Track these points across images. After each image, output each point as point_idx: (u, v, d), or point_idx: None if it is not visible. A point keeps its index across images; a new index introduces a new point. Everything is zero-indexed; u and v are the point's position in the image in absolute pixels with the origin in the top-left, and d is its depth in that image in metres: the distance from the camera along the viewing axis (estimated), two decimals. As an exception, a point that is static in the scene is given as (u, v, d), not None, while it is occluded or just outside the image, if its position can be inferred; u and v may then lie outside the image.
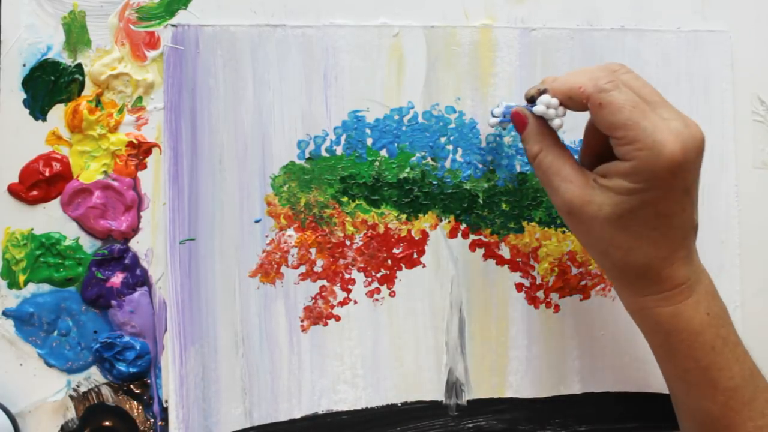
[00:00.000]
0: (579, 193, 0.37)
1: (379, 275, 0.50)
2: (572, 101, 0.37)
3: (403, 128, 0.50)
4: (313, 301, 0.49)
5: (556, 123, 0.39)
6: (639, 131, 0.34)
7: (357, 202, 0.50)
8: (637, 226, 0.36)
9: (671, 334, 0.38)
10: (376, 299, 0.50)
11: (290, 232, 0.49)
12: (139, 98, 0.48)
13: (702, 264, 0.40)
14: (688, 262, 0.38)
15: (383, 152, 0.50)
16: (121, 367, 0.48)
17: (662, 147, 0.34)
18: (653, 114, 0.35)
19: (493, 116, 0.46)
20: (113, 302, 0.48)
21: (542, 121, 0.40)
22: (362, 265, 0.50)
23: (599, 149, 0.40)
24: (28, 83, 0.48)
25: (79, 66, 0.48)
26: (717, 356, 0.37)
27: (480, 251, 0.51)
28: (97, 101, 0.48)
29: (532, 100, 0.40)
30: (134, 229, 0.48)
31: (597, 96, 0.35)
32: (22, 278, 0.48)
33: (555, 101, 0.38)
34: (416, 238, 0.50)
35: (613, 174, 0.36)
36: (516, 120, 0.41)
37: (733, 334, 0.39)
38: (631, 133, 0.34)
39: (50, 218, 0.48)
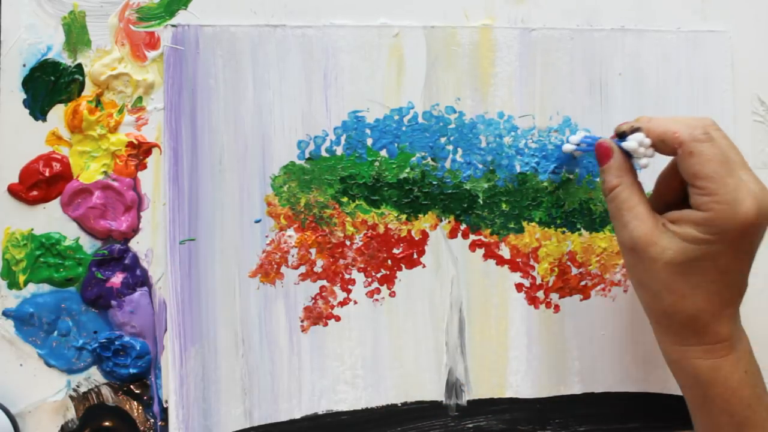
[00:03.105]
0: (647, 233, 0.38)
1: (379, 275, 0.50)
2: (663, 144, 0.39)
3: (403, 128, 0.50)
4: (313, 301, 0.49)
5: (643, 162, 0.40)
6: (721, 185, 0.36)
7: (357, 202, 0.50)
8: (695, 276, 0.37)
9: (709, 387, 0.39)
10: (376, 299, 0.50)
11: (290, 232, 0.49)
12: (139, 98, 0.48)
13: (742, 325, 0.41)
14: (733, 320, 0.39)
15: (383, 152, 0.50)
16: (121, 367, 0.48)
17: (740, 205, 0.36)
18: (736, 173, 0.37)
19: (568, 143, 0.48)
20: (113, 302, 0.48)
21: (625, 156, 0.41)
22: (362, 266, 0.50)
23: (671, 197, 0.42)
24: (28, 83, 0.48)
25: (79, 66, 0.48)
26: (753, 414, 0.38)
27: (480, 251, 0.51)
28: (97, 101, 0.48)
29: (622, 136, 0.41)
30: (134, 230, 0.48)
31: (690, 144, 0.37)
32: (22, 278, 0.48)
33: (648, 141, 0.39)
34: (416, 239, 0.50)
35: (684, 221, 0.38)
36: (600, 151, 0.42)
37: (767, 395, 0.40)
38: (713, 185, 0.36)
39: (50, 218, 0.48)
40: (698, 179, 0.37)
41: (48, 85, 0.48)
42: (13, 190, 0.47)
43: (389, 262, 0.50)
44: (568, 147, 0.47)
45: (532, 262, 0.51)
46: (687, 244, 0.37)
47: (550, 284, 0.51)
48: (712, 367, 0.39)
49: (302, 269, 0.49)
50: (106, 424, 0.48)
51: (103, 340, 0.48)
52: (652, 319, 0.41)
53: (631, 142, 0.40)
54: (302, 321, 0.49)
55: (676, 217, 0.38)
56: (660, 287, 0.38)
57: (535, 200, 0.51)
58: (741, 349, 0.39)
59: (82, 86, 0.48)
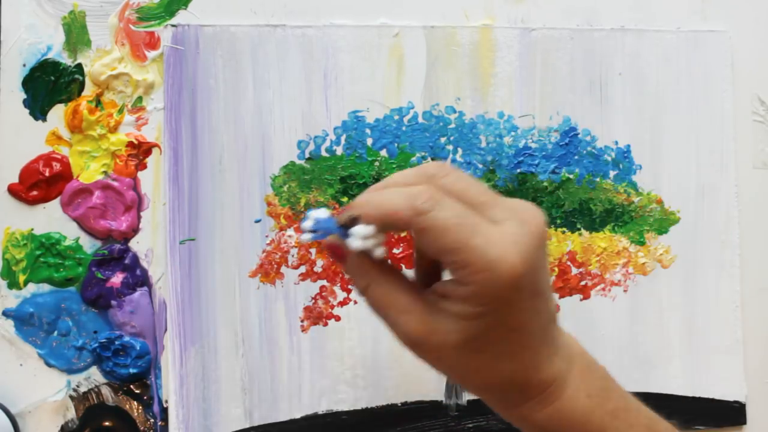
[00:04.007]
0: (421, 323, 0.32)
1: (379, 275, 0.50)
2: (391, 227, 0.31)
3: (403, 128, 0.50)
4: (313, 301, 0.49)
5: (377, 254, 0.32)
6: (470, 253, 0.29)
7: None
8: (491, 345, 0.32)
9: None
10: (376, 299, 0.50)
11: (290, 232, 0.49)
12: (139, 98, 0.48)
13: (569, 338, 0.35)
14: (553, 356, 0.34)
15: (383, 152, 0.50)
16: (121, 367, 0.48)
17: (499, 264, 0.29)
18: (483, 223, 0.30)
19: (302, 229, 0.34)
20: (113, 302, 0.48)
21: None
22: (362, 265, 0.50)
23: (433, 266, 0.35)
24: (28, 83, 0.48)
25: (79, 66, 0.48)
26: None
27: (480, 251, 0.51)
28: (97, 101, 0.48)
29: (346, 226, 0.33)
30: (134, 229, 0.48)
31: (416, 221, 0.30)
32: (22, 278, 0.48)
33: (371, 230, 0.31)
34: (416, 238, 0.50)
35: (453, 297, 0.31)
36: (334, 254, 0.34)
37: (619, 400, 0.36)
38: (462, 256, 0.29)
39: (50, 218, 0.48)
40: (443, 254, 0.30)
41: (48, 85, 0.48)
42: (13, 190, 0.47)
43: (389, 262, 0.50)
44: (306, 237, 0.34)
45: (532, 262, 0.51)
46: (466, 321, 0.31)
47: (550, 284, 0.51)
48: (552, 415, 0.34)
49: (302, 269, 0.49)
50: (106, 424, 0.48)
51: (103, 340, 0.48)
52: (472, 394, 0.36)
53: (353, 241, 0.32)
54: (302, 321, 0.49)
55: (444, 291, 0.32)
56: (462, 370, 0.33)
57: (535, 200, 0.51)
58: (575, 376, 0.34)
59: (82, 86, 0.48)
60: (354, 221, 0.32)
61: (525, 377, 0.33)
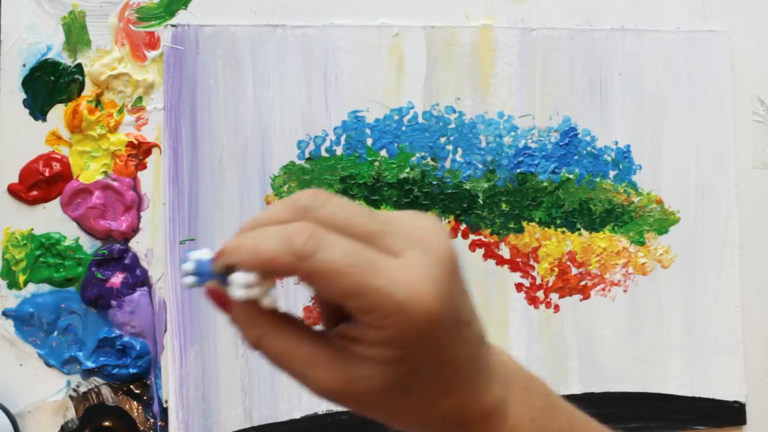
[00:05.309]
0: (335, 374, 0.28)
1: (379, 275, 0.50)
2: (273, 273, 0.27)
3: (403, 128, 0.50)
4: (313, 301, 0.49)
5: (266, 303, 0.28)
6: (373, 296, 0.25)
7: (357, 202, 0.50)
8: (422, 384, 0.28)
9: None
10: (376, 299, 0.50)
11: (290, 232, 0.49)
12: (139, 98, 0.48)
13: (502, 356, 0.32)
14: (490, 383, 0.30)
15: (383, 152, 0.50)
16: (121, 367, 0.48)
17: (411, 305, 0.25)
18: (381, 258, 0.26)
19: (186, 274, 0.29)
20: (113, 302, 0.48)
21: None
22: (362, 265, 0.50)
23: (337, 308, 0.29)
24: (28, 83, 0.48)
25: (79, 66, 0.48)
26: None
27: (480, 251, 0.51)
28: (97, 101, 0.48)
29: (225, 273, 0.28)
30: (134, 229, 0.48)
31: (300, 266, 0.25)
32: (22, 278, 0.48)
33: (252, 277, 0.27)
34: (416, 238, 0.50)
35: (367, 342, 0.27)
36: (216, 301, 0.29)
37: (563, 420, 0.34)
38: (365, 300, 0.25)
39: (50, 218, 0.48)
40: (343, 299, 0.26)
41: (48, 85, 0.48)
42: (13, 190, 0.47)
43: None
44: (188, 281, 0.29)
45: (532, 262, 0.51)
46: (387, 366, 0.27)
47: (550, 284, 0.51)
48: None
49: (302, 269, 0.49)
50: (106, 424, 0.48)
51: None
52: None
53: (234, 290, 0.27)
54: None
55: (355, 335, 0.27)
56: (394, 413, 0.30)
57: (535, 200, 0.51)
58: (515, 399, 0.31)
59: (82, 86, 0.48)
60: (228, 270, 0.27)
61: (464, 411, 0.30)
